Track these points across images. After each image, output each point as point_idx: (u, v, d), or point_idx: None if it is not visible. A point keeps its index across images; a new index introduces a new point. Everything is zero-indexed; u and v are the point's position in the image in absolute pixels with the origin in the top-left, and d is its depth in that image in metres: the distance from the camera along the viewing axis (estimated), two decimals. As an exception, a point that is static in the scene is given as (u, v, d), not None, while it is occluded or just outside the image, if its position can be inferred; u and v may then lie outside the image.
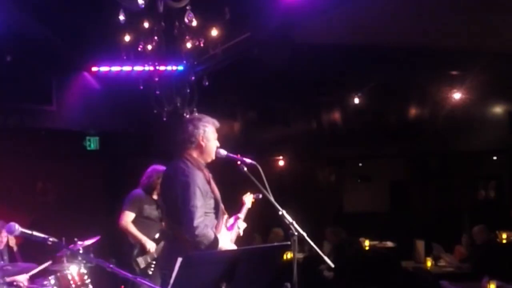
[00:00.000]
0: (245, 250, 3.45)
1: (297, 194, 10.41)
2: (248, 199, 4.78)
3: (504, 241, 8.35)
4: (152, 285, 2.78)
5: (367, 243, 9.26)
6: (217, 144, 3.94)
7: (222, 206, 3.91)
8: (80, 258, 5.62)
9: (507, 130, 9.86)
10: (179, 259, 2.69)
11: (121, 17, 4.62)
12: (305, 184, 11.35)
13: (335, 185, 12.30)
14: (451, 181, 11.89)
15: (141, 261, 5.65)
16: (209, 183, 3.79)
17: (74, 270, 5.60)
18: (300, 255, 7.93)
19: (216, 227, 3.82)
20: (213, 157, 3.92)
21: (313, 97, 9.18)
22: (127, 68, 7.50)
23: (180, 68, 7.27)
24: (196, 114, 4.81)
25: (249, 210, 4.73)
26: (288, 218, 3.39)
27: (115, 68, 7.80)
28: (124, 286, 5.92)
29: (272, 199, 3.51)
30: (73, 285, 5.52)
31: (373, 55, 7.00)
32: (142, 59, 5.78)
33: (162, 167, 5.75)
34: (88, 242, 5.80)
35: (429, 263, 7.64)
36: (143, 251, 5.67)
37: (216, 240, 3.67)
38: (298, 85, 8.22)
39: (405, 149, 11.06)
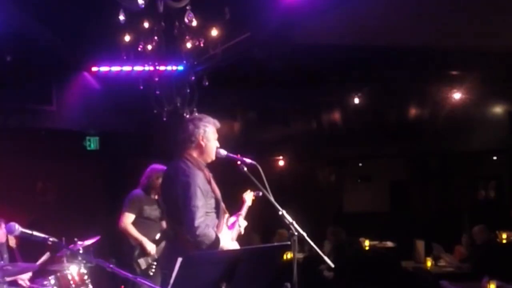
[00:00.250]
0: (245, 250, 3.46)
1: (297, 194, 10.41)
2: (249, 196, 4.79)
3: (504, 241, 8.35)
4: (152, 285, 2.79)
5: (367, 243, 9.27)
6: (217, 144, 3.94)
7: (223, 205, 3.91)
8: (80, 258, 5.62)
9: (507, 130, 9.86)
10: (179, 259, 2.69)
11: (121, 17, 4.61)
12: (305, 184, 11.35)
13: (335, 185, 12.30)
14: (451, 181, 11.89)
15: (142, 262, 5.65)
16: (209, 182, 3.79)
17: (74, 270, 5.60)
18: (300, 255, 7.93)
19: (217, 226, 3.82)
20: (213, 158, 3.92)
21: (313, 97, 9.18)
22: (127, 68, 7.49)
23: (180, 68, 7.27)
24: (197, 114, 4.81)
25: (249, 209, 4.73)
26: (288, 218, 3.38)
27: (115, 68, 7.79)
28: (124, 286, 5.92)
29: (272, 199, 3.51)
30: (73, 285, 5.51)
31: (373, 55, 6.99)
32: (142, 59, 5.78)
33: (161, 167, 5.75)
34: (88, 242, 5.80)
35: (429, 263, 7.64)
36: (144, 252, 5.67)
37: (217, 240, 3.67)
38: (298, 85, 8.22)
39: (405, 149, 11.06)
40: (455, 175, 11.80)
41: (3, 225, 5.79)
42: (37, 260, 5.69)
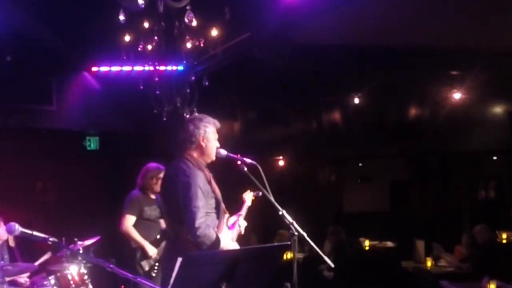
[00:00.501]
0: (245, 250, 3.46)
1: (297, 194, 10.41)
2: (248, 196, 4.79)
3: (504, 241, 8.34)
4: (153, 285, 2.78)
5: (367, 243, 9.26)
6: (217, 144, 3.94)
7: (223, 205, 3.91)
8: (80, 258, 5.61)
9: (507, 130, 9.85)
10: (179, 259, 2.69)
11: (121, 17, 4.61)
12: (305, 184, 11.35)
13: (335, 185, 12.30)
14: (451, 181, 11.89)
15: (145, 264, 5.65)
16: (210, 183, 3.79)
17: (74, 270, 5.59)
18: (300, 255, 7.94)
19: (218, 226, 3.82)
20: (213, 158, 3.92)
21: (313, 97, 9.17)
22: (127, 68, 7.50)
23: (180, 68, 7.27)
24: (197, 114, 4.81)
25: (249, 209, 4.73)
26: (288, 218, 3.38)
27: (115, 68, 7.80)
28: (124, 286, 5.92)
29: (272, 199, 3.51)
30: (73, 285, 5.51)
31: (373, 55, 6.99)
32: (142, 59, 5.79)
33: (155, 165, 5.76)
34: (88, 242, 5.80)
35: (429, 263, 7.64)
36: (146, 255, 5.67)
37: (217, 240, 3.67)
38: (298, 85, 8.22)
39: (405, 149, 11.06)
40: (455, 175, 11.80)
41: (3, 225, 5.79)
42: (37, 260, 5.68)
